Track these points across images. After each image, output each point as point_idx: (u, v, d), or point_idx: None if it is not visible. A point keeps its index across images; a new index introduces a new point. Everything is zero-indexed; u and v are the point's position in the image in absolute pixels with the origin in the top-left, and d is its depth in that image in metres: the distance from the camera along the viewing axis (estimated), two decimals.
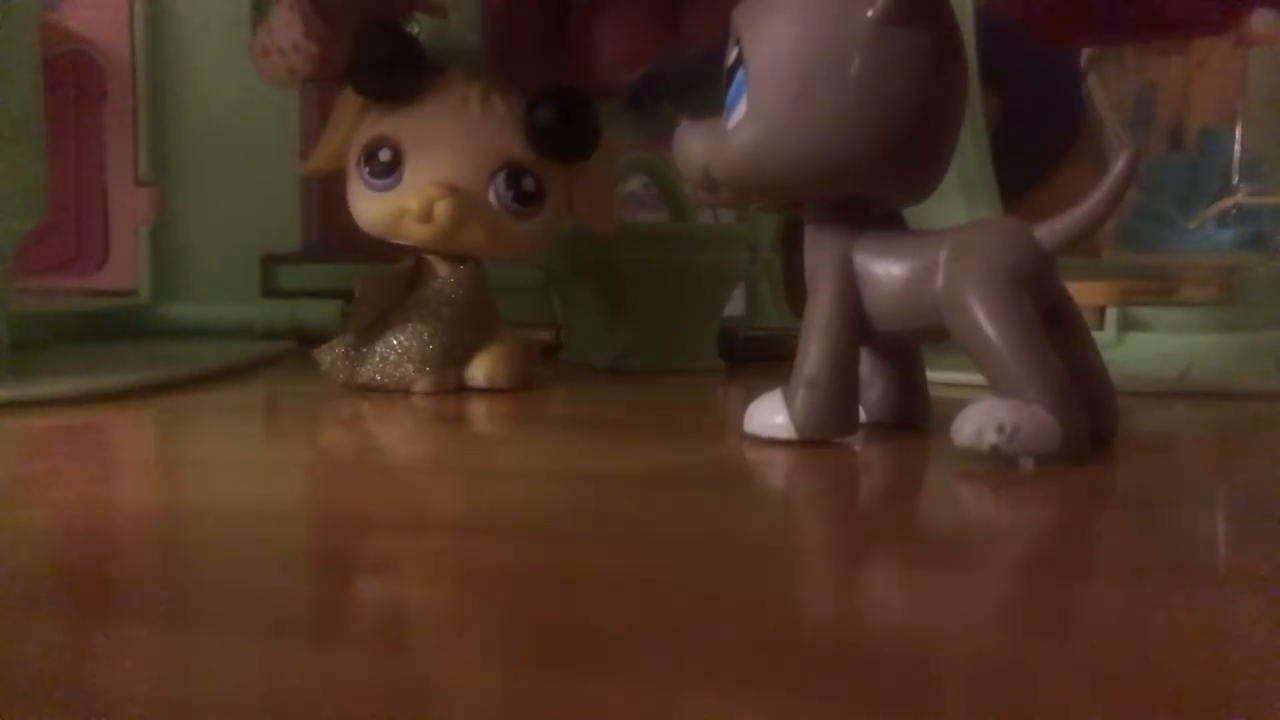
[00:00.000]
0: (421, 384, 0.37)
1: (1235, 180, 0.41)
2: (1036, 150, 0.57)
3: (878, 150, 0.25)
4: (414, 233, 0.36)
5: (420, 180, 0.35)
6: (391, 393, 0.36)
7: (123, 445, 0.30)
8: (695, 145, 0.28)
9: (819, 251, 0.27)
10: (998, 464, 0.24)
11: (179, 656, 0.13)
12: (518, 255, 0.38)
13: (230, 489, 0.23)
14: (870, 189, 0.27)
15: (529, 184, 0.36)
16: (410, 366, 0.36)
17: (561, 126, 0.36)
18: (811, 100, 0.25)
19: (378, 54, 0.35)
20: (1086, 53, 0.44)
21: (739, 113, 0.26)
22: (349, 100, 0.37)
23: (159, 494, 0.23)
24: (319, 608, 0.15)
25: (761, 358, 0.50)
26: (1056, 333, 0.25)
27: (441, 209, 0.35)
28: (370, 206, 0.36)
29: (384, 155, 0.36)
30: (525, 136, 0.36)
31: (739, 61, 0.26)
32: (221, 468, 0.25)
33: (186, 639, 0.14)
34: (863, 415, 0.30)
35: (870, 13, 0.24)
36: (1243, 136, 0.41)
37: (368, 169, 0.36)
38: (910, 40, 0.25)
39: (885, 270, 0.26)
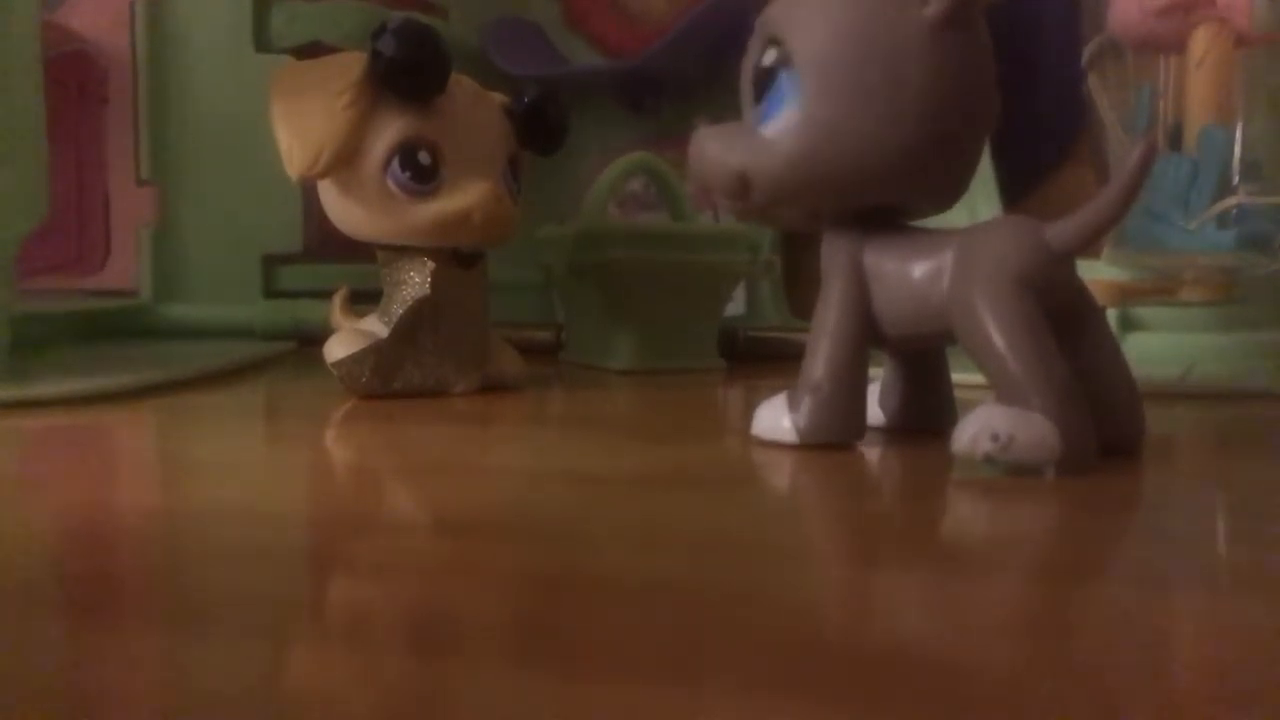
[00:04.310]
0: (462, 384, 0.37)
1: (1235, 181, 0.40)
2: (1037, 153, 0.57)
3: (927, 156, 0.25)
4: (469, 236, 0.35)
5: (468, 182, 0.35)
6: (425, 395, 0.36)
7: (123, 446, 0.30)
8: (726, 151, 0.27)
9: (833, 250, 0.27)
10: (1013, 471, 0.23)
11: (179, 657, 0.13)
12: (510, 240, 0.38)
13: (231, 490, 0.23)
14: (911, 197, 0.27)
15: (519, 174, 0.38)
16: (450, 367, 0.37)
17: (557, 120, 0.38)
18: (868, 105, 0.24)
19: (421, 52, 0.34)
20: (1087, 54, 0.44)
21: (782, 118, 0.25)
22: (347, 99, 0.33)
23: (159, 495, 0.23)
24: (319, 609, 0.15)
25: (762, 357, 0.50)
26: (1075, 335, 0.24)
27: (505, 209, 0.35)
28: (412, 211, 0.34)
29: (424, 158, 0.34)
30: (518, 130, 0.37)
31: (781, 63, 0.26)
32: (222, 468, 0.25)
33: (187, 640, 0.14)
34: (883, 419, 0.30)
35: (927, 12, 0.24)
36: (1243, 137, 0.41)
37: (408, 173, 0.34)
38: (961, 45, 0.25)
39: (894, 272, 0.26)
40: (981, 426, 0.23)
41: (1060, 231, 0.24)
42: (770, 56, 0.26)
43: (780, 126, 0.25)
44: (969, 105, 0.25)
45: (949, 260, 0.25)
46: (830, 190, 0.26)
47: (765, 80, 0.26)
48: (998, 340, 0.23)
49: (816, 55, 0.25)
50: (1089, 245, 0.24)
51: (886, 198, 0.26)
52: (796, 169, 0.25)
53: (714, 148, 0.27)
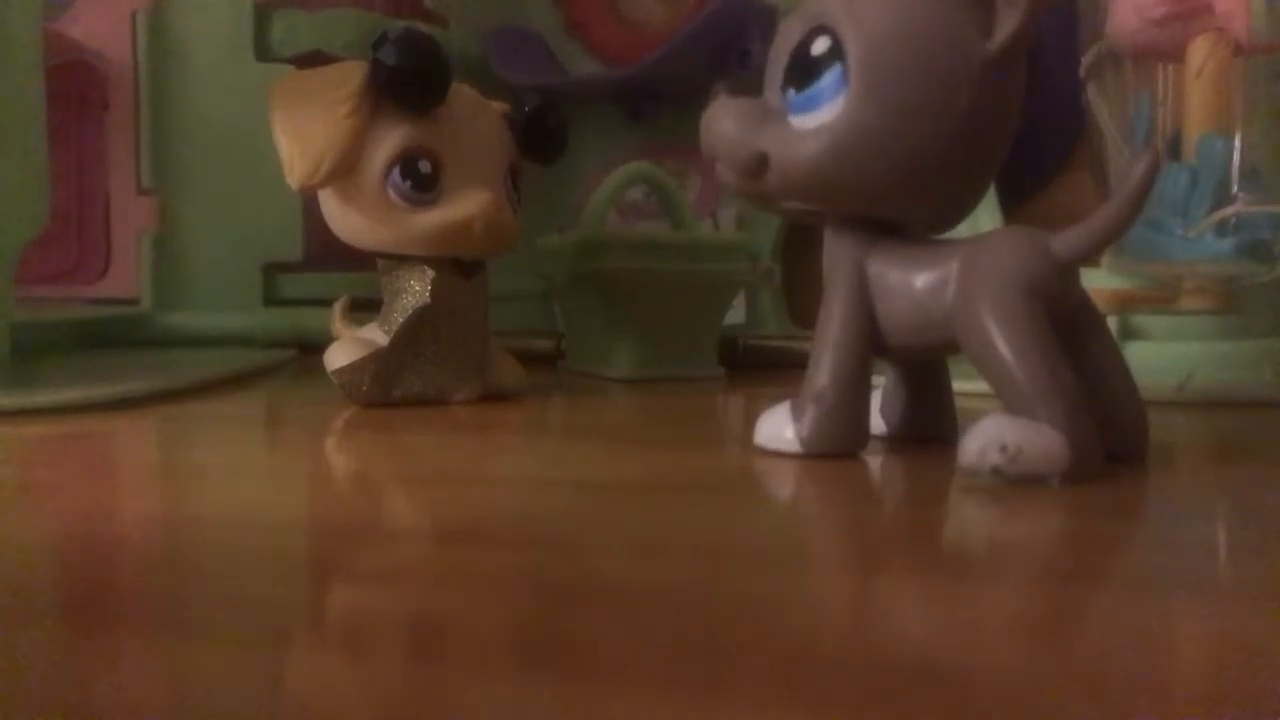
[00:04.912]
0: (462, 393, 0.37)
1: (1235, 189, 0.41)
2: (1035, 160, 0.57)
3: (950, 182, 0.25)
4: (470, 245, 0.35)
5: (469, 191, 0.35)
6: (425, 404, 0.36)
7: (124, 454, 0.30)
8: (748, 129, 0.26)
9: (836, 255, 0.27)
10: (1018, 481, 0.23)
11: (178, 665, 0.13)
12: (511, 250, 0.38)
13: (231, 498, 0.23)
14: (923, 217, 0.27)
15: (519, 183, 0.38)
16: (450, 376, 0.37)
17: (558, 130, 0.38)
18: (913, 123, 0.24)
19: (422, 62, 0.34)
20: (1085, 63, 0.44)
21: (825, 114, 0.25)
22: (347, 108, 0.33)
23: (159, 503, 0.23)
24: (319, 616, 0.15)
25: (762, 366, 0.50)
26: (1078, 344, 0.24)
27: (506, 218, 0.35)
28: (413, 220, 0.34)
29: (425, 167, 0.34)
30: (518, 140, 0.37)
31: (833, 56, 0.25)
32: (222, 476, 0.25)
33: (186, 647, 0.14)
34: (885, 429, 0.29)
35: (991, 45, 0.24)
36: (1242, 146, 0.41)
37: (409, 182, 0.34)
38: (1008, 80, 0.25)
39: (898, 282, 0.26)
40: (990, 438, 0.22)
41: (1065, 241, 0.24)
42: (821, 46, 0.25)
43: (817, 122, 0.25)
44: (999, 137, 0.25)
45: (954, 270, 0.25)
46: (850, 196, 0.26)
47: (809, 69, 0.25)
48: (1004, 351, 0.23)
49: (875, 61, 0.24)
50: (1094, 255, 0.24)
51: (899, 213, 0.26)
52: (823, 169, 0.25)
53: (733, 125, 0.26)
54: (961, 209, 0.27)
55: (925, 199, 0.26)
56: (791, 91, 0.26)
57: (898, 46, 0.24)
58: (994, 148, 0.26)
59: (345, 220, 0.35)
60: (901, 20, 0.24)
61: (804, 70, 0.25)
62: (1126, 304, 0.43)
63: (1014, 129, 0.26)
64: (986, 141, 0.25)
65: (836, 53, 0.25)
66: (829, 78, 0.25)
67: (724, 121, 0.26)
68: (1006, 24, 0.24)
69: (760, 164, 0.26)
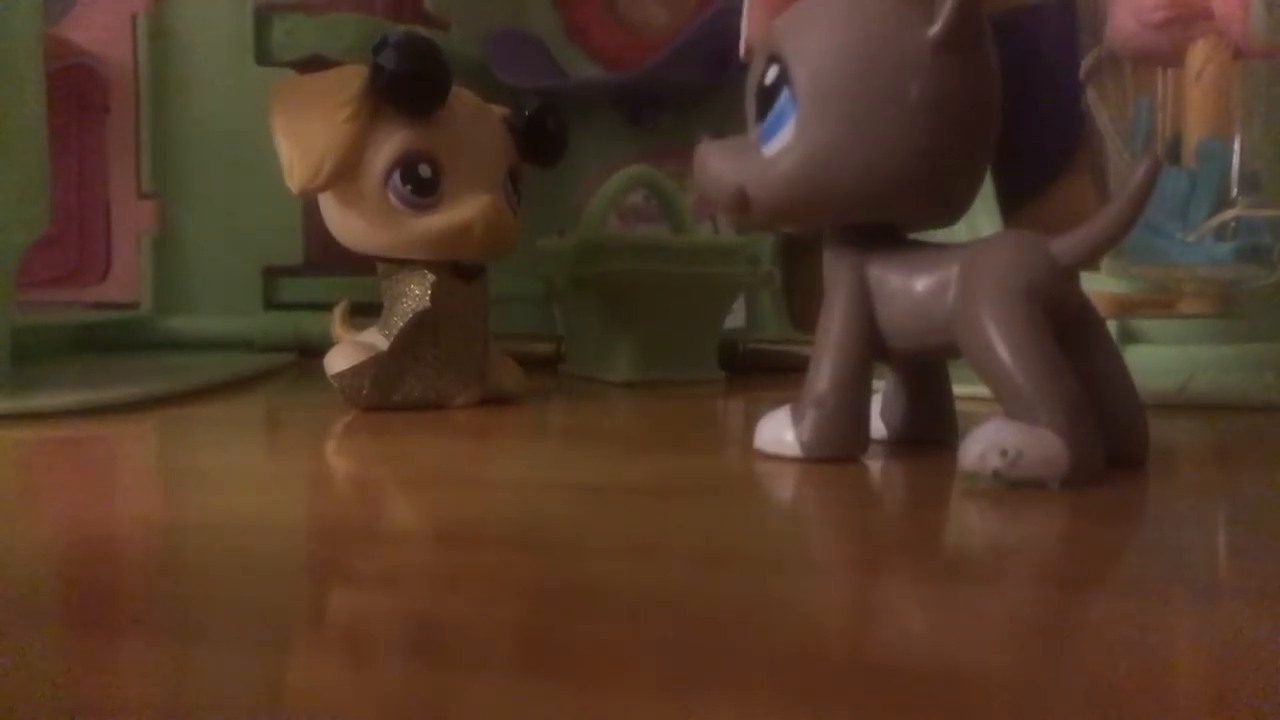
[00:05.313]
0: (463, 397, 0.37)
1: (1234, 193, 0.41)
2: (1035, 163, 0.57)
3: (928, 176, 0.25)
4: (470, 249, 0.35)
5: (468, 195, 0.35)
6: (425, 408, 0.36)
7: (124, 458, 0.30)
8: (726, 167, 0.27)
9: (836, 262, 0.27)
10: (1018, 485, 0.23)
11: (179, 668, 0.13)
12: (510, 252, 0.38)
13: (231, 501, 0.23)
14: (911, 215, 0.27)
15: (519, 186, 0.38)
16: (450, 380, 0.37)
17: (558, 133, 0.38)
18: (868, 125, 0.24)
19: (422, 66, 0.34)
20: (1085, 66, 0.44)
21: (782, 138, 0.25)
22: (347, 112, 0.33)
23: (159, 506, 0.23)
24: (319, 620, 0.15)
25: (762, 369, 0.50)
26: (1078, 348, 0.24)
27: (505, 221, 0.35)
28: (413, 224, 0.34)
29: (425, 171, 0.34)
30: (518, 143, 0.37)
31: (781, 81, 0.25)
32: (222, 480, 0.25)
33: (186, 651, 0.14)
34: (885, 432, 0.29)
35: (931, 32, 0.24)
36: (1241, 149, 0.41)
37: (409, 186, 0.34)
38: (964, 66, 0.24)
39: (899, 285, 0.26)
40: (990, 442, 0.23)
41: (1066, 245, 0.24)
42: (771, 74, 0.26)
43: (779, 146, 0.25)
44: (971, 126, 0.25)
45: (954, 273, 0.25)
46: (828, 210, 0.26)
47: (767, 98, 0.26)
48: (1004, 355, 0.23)
49: (815, 76, 0.25)
50: (1094, 259, 0.24)
51: (885, 216, 0.26)
52: (794, 189, 0.25)
53: (715, 162, 0.27)
54: (957, 198, 0.27)
55: (909, 196, 0.26)
56: (759, 122, 0.26)
57: (836, 58, 0.24)
58: (970, 130, 0.25)
59: (345, 224, 0.35)
60: (838, 31, 0.25)
61: (763, 100, 0.26)
62: (1126, 307, 0.43)
63: (993, 107, 0.26)
64: (958, 126, 0.25)
65: (784, 77, 0.25)
66: (781, 102, 0.25)
67: (707, 162, 0.27)
68: (946, 3, 0.24)
69: (742, 197, 0.26)
